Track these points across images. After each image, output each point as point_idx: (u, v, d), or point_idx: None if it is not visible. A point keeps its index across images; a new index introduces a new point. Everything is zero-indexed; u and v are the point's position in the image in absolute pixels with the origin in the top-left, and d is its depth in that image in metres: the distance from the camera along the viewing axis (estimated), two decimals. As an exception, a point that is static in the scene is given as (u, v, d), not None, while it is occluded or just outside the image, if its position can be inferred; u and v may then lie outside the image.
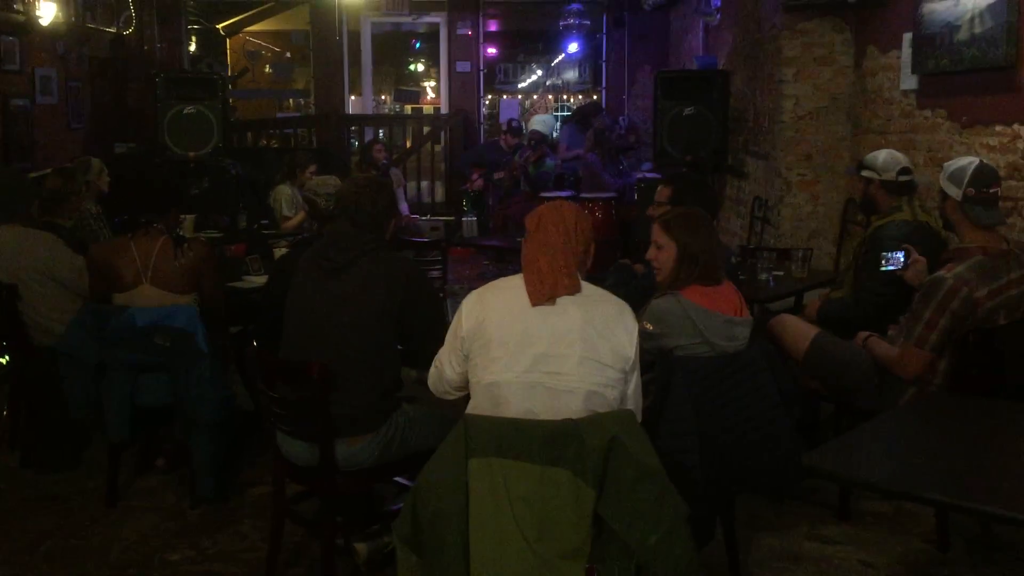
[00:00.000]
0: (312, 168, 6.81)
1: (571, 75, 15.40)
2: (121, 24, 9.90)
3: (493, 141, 10.82)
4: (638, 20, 11.62)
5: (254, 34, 15.91)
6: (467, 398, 2.82)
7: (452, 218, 10.48)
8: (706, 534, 3.11)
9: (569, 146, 10.36)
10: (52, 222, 4.82)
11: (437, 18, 11.92)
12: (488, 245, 8.47)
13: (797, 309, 4.74)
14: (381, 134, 11.26)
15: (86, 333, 3.90)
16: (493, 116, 14.30)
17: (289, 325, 3.34)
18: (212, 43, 13.59)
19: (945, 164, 3.69)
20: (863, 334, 3.86)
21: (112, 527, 3.86)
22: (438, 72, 13.05)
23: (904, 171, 4.20)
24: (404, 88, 17.38)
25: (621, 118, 11.20)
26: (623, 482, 2.44)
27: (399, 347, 3.36)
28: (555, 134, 10.72)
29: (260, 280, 4.84)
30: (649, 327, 3.15)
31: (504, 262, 8.99)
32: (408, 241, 6.94)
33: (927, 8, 5.16)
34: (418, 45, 17.20)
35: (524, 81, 16.38)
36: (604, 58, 12.44)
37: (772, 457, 3.20)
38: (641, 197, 8.17)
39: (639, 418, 2.73)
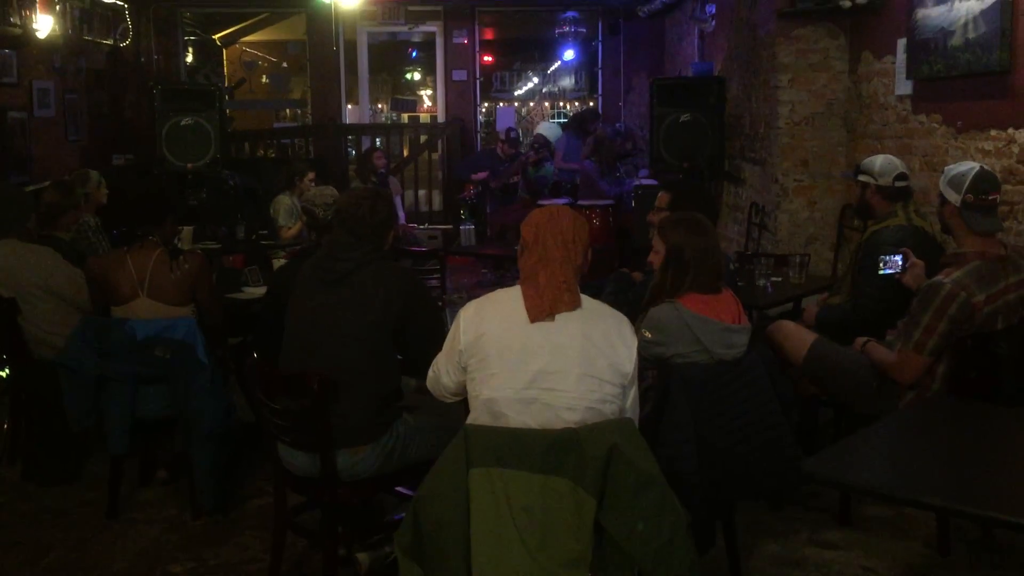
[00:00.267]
0: (311, 176, 6.83)
1: (567, 82, 15.44)
2: (118, 36, 9.92)
3: (490, 149, 10.84)
4: (633, 27, 11.66)
5: (250, 44, 15.93)
6: (466, 406, 2.82)
7: (450, 226, 10.49)
8: (707, 541, 3.12)
9: (566, 154, 10.38)
10: (51, 235, 4.82)
11: (433, 27, 11.95)
12: (486, 253, 8.47)
13: (795, 315, 4.76)
14: (378, 143, 11.27)
15: (86, 346, 3.91)
16: (489, 124, 14.33)
17: (289, 336, 3.35)
18: (209, 54, 13.62)
19: (945, 168, 3.69)
20: (861, 339, 3.87)
21: (114, 539, 3.86)
22: (434, 81, 13.07)
23: (900, 176, 4.21)
24: (401, 97, 17.41)
25: (618, 124, 11.24)
26: (624, 490, 2.45)
27: (399, 357, 3.37)
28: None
29: (259, 291, 4.85)
30: (648, 335, 3.16)
31: (502, 270, 9.01)
32: (406, 250, 6.95)
33: (921, 14, 5.18)
34: (414, 54, 17.22)
35: (520, 89, 16.40)
36: (600, 65, 12.48)
37: (772, 463, 3.21)
38: (638, 204, 8.18)
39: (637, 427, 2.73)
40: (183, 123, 8.43)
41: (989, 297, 3.46)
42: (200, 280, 4.14)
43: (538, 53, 15.89)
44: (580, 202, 8.64)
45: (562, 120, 14.62)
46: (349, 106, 12.16)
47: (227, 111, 9.95)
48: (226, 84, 12.87)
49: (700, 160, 7.58)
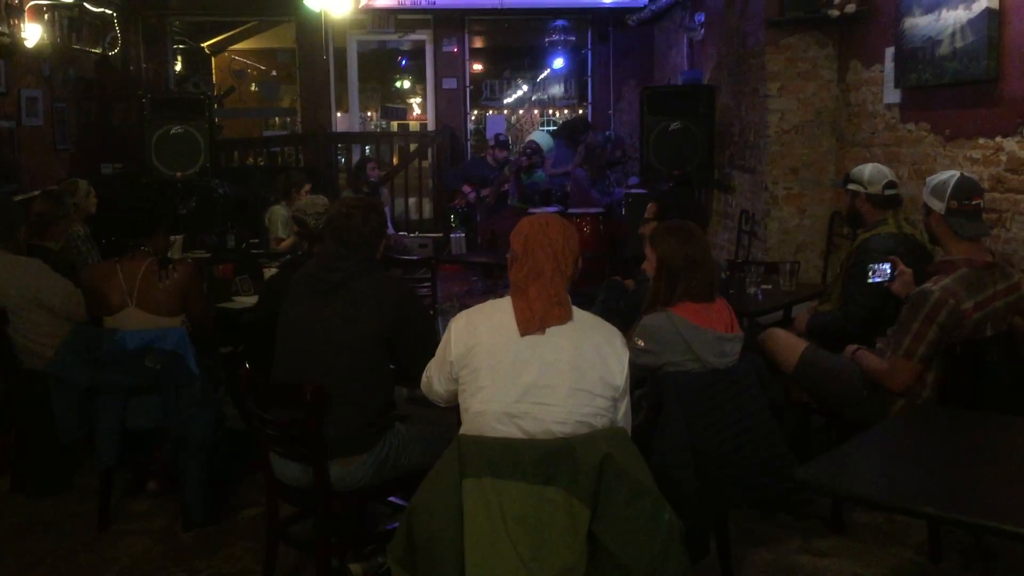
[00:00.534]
0: (307, 187, 6.82)
1: (557, 90, 15.47)
2: (107, 45, 9.89)
3: (480, 158, 10.85)
4: (623, 36, 11.69)
5: (239, 53, 15.92)
6: (458, 416, 2.82)
7: (440, 234, 10.49)
8: (701, 549, 3.13)
9: (556, 162, 10.40)
10: (40, 245, 4.82)
11: (423, 35, 11.96)
12: (477, 261, 8.47)
13: (786, 322, 4.77)
14: (368, 151, 11.27)
15: (76, 356, 3.90)
16: (479, 132, 14.34)
17: (281, 346, 3.34)
18: (197, 62, 13.59)
19: (928, 179, 3.73)
20: (852, 347, 3.89)
21: (105, 551, 3.84)
22: (424, 89, 13.08)
23: (890, 185, 4.24)
24: (391, 105, 17.42)
25: (607, 132, 11.26)
26: (617, 500, 2.45)
27: (391, 366, 3.37)
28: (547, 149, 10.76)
29: (250, 300, 4.84)
30: (640, 344, 3.16)
31: (493, 278, 9.01)
32: (396, 259, 6.94)
33: (909, 23, 5.22)
34: (404, 62, 17.23)
35: (510, 97, 16.44)
36: (589, 73, 12.50)
37: (765, 470, 3.22)
38: (628, 212, 8.21)
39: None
40: (172, 132, 8.41)
41: (978, 304, 3.48)
42: (190, 289, 4.13)
43: (528, 61, 15.95)
44: (571, 210, 8.66)
45: (552, 128, 14.66)
46: (339, 114, 12.15)
47: (216, 120, 9.93)
48: (215, 92, 12.84)
49: (690, 168, 7.61)
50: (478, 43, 13.69)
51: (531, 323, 2.63)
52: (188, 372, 3.87)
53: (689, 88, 8.32)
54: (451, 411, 3.06)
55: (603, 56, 12.10)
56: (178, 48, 12.20)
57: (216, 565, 3.72)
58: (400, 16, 11.50)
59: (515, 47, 15.68)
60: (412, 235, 10.49)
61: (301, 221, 4.52)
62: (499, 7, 10.53)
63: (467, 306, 2.98)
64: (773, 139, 6.64)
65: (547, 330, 2.64)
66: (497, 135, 10.79)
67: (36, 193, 5.95)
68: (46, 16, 8.49)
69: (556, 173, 10.21)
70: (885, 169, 4.33)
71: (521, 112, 16.66)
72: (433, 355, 2.89)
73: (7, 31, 7.78)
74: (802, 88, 6.58)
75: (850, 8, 5.96)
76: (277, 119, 15.85)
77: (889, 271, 3.98)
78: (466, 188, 10.09)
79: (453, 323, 2.78)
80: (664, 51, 11.11)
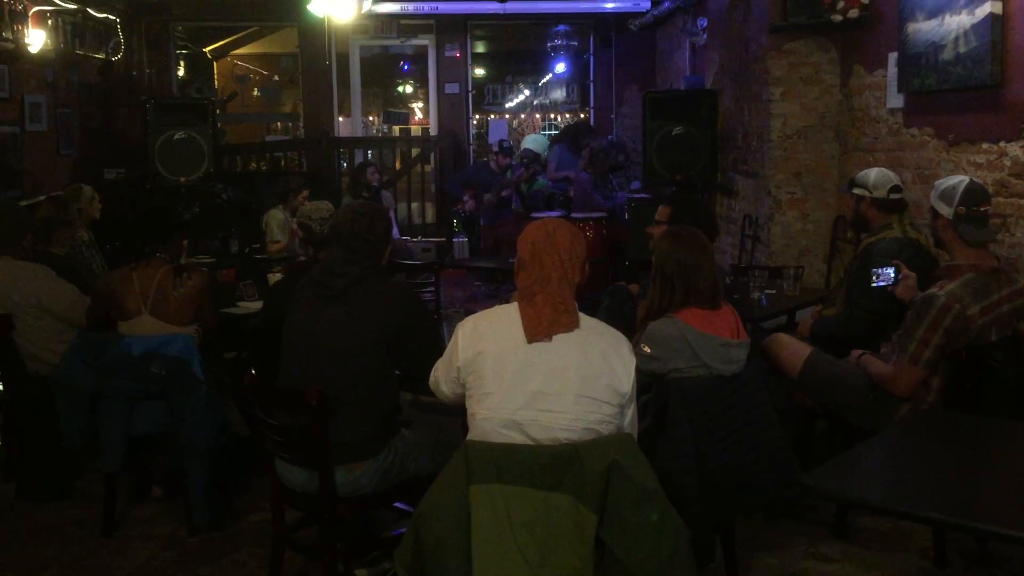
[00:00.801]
0: (305, 193, 6.83)
1: (559, 95, 15.51)
2: (110, 50, 9.91)
3: (483, 162, 10.86)
4: (625, 40, 11.71)
5: (241, 58, 15.95)
6: (463, 421, 2.82)
7: (443, 239, 10.50)
8: (706, 555, 3.12)
9: (559, 166, 10.41)
10: (45, 251, 4.82)
11: (425, 40, 11.99)
12: (480, 266, 8.47)
13: (789, 327, 4.77)
14: (370, 155, 11.29)
15: (82, 363, 3.90)
16: (481, 136, 14.37)
17: (287, 352, 3.34)
18: (200, 67, 13.62)
19: (936, 183, 3.73)
20: (856, 352, 3.89)
21: (110, 557, 3.84)
22: (427, 93, 13.10)
23: (895, 189, 4.25)
24: (393, 110, 17.45)
25: (610, 136, 11.27)
26: (624, 506, 2.45)
27: (396, 372, 3.37)
28: (545, 153, 10.77)
29: (255, 306, 4.84)
30: (647, 350, 3.17)
31: (496, 283, 9.01)
32: (400, 264, 6.94)
33: (912, 28, 5.22)
34: (406, 67, 17.26)
35: (512, 101, 16.47)
36: (592, 78, 12.53)
37: (770, 476, 3.21)
38: (632, 216, 8.21)
39: (634, 443, 2.73)
40: (176, 137, 8.43)
41: (983, 309, 3.48)
42: (204, 298, 4.15)
43: (530, 66, 15.98)
44: (574, 215, 8.66)
45: (551, 132, 14.67)
46: (341, 118, 12.17)
47: (219, 124, 9.95)
48: (217, 97, 12.87)
49: (693, 172, 7.61)
50: (480, 48, 13.71)
51: (538, 330, 2.63)
52: (193, 378, 3.87)
53: (692, 93, 8.33)
54: (456, 417, 3.07)
55: (605, 61, 12.12)
56: (181, 53, 12.23)
57: (222, 571, 3.72)
58: (403, 21, 11.54)
59: (517, 52, 15.73)
60: (415, 239, 10.50)
61: (306, 227, 4.52)
62: (501, 12, 10.55)
63: (472, 311, 2.98)
64: (776, 144, 6.64)
65: (554, 337, 2.64)
66: (500, 141, 10.80)
67: (41, 198, 5.96)
68: (50, 22, 8.51)
69: (558, 178, 10.22)
70: (890, 173, 4.34)
71: (522, 116, 16.69)
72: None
73: (11, 37, 7.80)
74: (805, 93, 6.58)
75: (853, 13, 5.96)
76: (279, 124, 15.88)
77: (893, 275, 3.98)
78: (465, 197, 10.10)
79: (460, 329, 2.77)
80: (666, 56, 11.13)
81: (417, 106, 18.08)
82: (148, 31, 10.85)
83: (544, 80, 16.04)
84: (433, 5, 10.82)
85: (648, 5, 10.41)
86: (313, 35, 11.07)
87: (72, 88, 9.21)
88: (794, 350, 4.02)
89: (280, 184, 7.10)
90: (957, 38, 4.75)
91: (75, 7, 8.95)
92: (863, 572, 3.59)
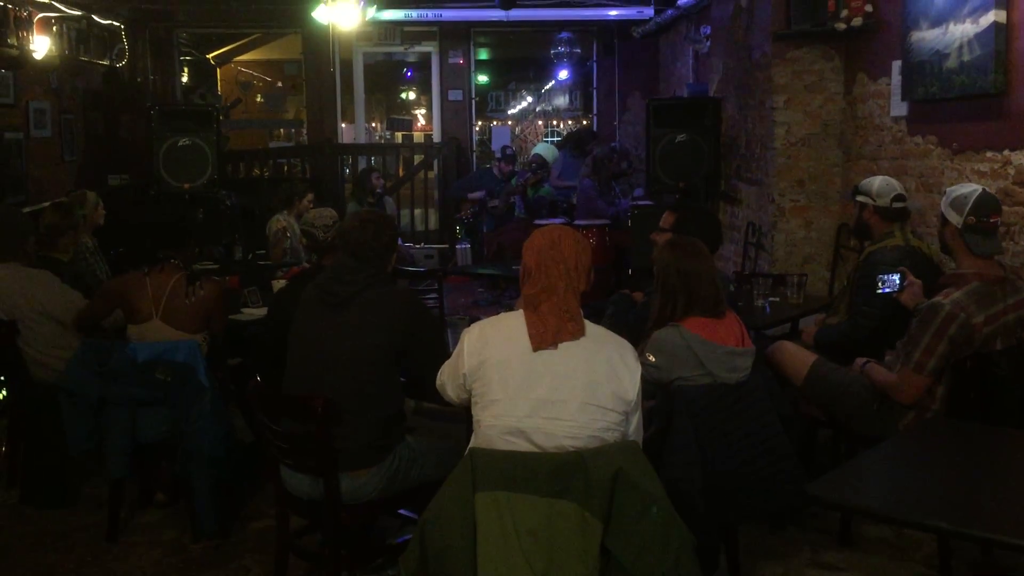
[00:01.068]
0: (310, 197, 6.83)
1: (561, 102, 15.52)
2: (114, 57, 9.94)
3: (487, 169, 10.87)
4: (628, 48, 11.72)
5: (245, 64, 15.98)
6: (467, 428, 2.82)
7: (446, 246, 10.50)
8: (711, 563, 3.12)
9: (562, 173, 10.41)
10: (50, 256, 4.83)
11: (429, 47, 12.01)
12: (483, 273, 8.48)
13: (793, 335, 4.77)
14: (373, 162, 11.31)
15: (87, 369, 3.91)
16: (484, 143, 14.38)
17: (292, 359, 3.35)
18: (204, 73, 13.65)
19: (948, 189, 3.73)
20: (861, 360, 3.89)
21: (114, 563, 3.84)
22: (430, 100, 13.12)
23: (898, 197, 4.25)
24: (396, 116, 17.48)
25: (613, 144, 11.28)
26: (629, 513, 2.45)
27: (402, 379, 3.37)
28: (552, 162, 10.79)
29: (259, 312, 4.85)
30: (652, 359, 3.17)
31: (499, 289, 9.02)
32: (403, 271, 6.95)
33: (916, 36, 5.23)
34: (409, 74, 17.30)
35: (515, 108, 16.50)
36: (595, 85, 12.54)
37: (775, 484, 3.21)
38: (635, 224, 8.21)
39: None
40: (180, 143, 8.44)
41: (988, 318, 3.48)
42: (215, 308, 4.16)
43: (533, 73, 16.01)
44: (577, 222, 8.67)
45: (554, 139, 14.70)
46: (343, 125, 12.19)
47: (223, 131, 9.97)
48: (221, 104, 12.90)
49: (696, 180, 7.61)
50: (483, 55, 13.73)
51: (544, 338, 2.64)
52: (198, 384, 3.88)
53: (695, 100, 8.34)
54: (459, 424, 3.07)
55: (608, 68, 12.13)
56: (184, 60, 12.26)
57: (226, 577, 3.73)
58: (406, 28, 11.55)
59: (520, 59, 15.75)
60: (418, 246, 10.51)
61: (310, 234, 4.53)
62: (505, 19, 10.57)
63: (476, 318, 2.99)
64: (779, 151, 6.64)
65: (559, 345, 2.64)
66: (504, 148, 10.82)
67: (45, 204, 5.97)
68: (54, 28, 8.54)
69: (562, 185, 10.23)
70: (894, 182, 4.34)
71: (525, 123, 16.72)
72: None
73: (16, 43, 7.82)
74: (809, 101, 6.58)
75: (857, 21, 5.97)
76: (282, 130, 15.91)
77: (898, 282, 3.98)
78: (480, 193, 10.10)
79: (466, 335, 2.77)
80: (669, 63, 11.14)
81: (420, 113, 18.11)
82: (152, 37, 10.87)
83: (547, 87, 16.07)
84: (437, 12, 10.84)
85: (651, 13, 10.42)
86: (317, 42, 11.09)
87: (76, 94, 9.24)
88: (798, 358, 4.02)
89: (285, 189, 7.10)
90: (961, 47, 4.76)
91: (80, 14, 8.97)
92: (867, 580, 3.59)
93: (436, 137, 12.14)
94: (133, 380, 3.86)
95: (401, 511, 3.54)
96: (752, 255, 7.11)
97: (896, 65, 5.59)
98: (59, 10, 8.48)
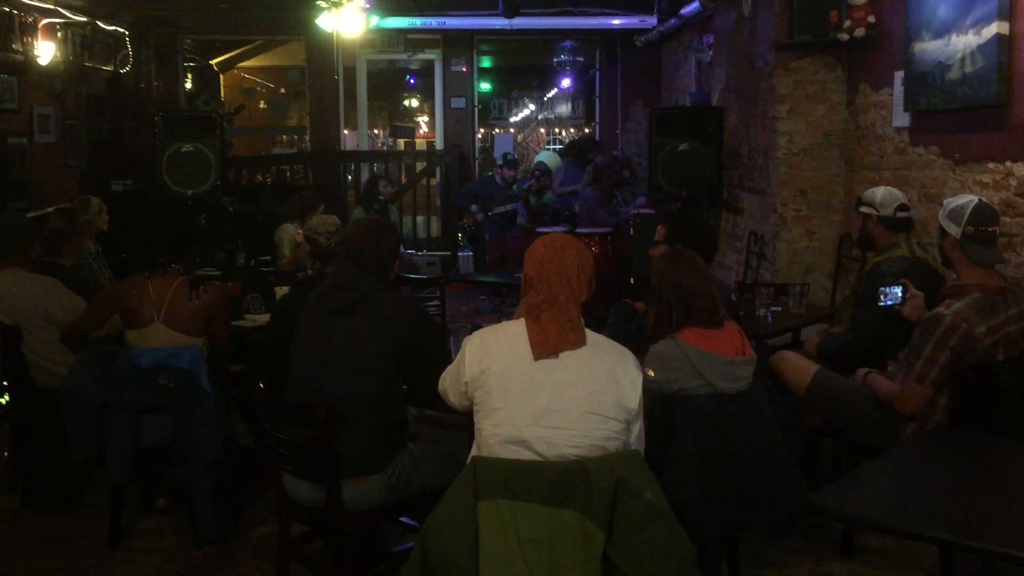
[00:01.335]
0: (321, 208, 6.82)
1: (564, 110, 15.55)
2: (118, 63, 9.96)
3: (489, 176, 10.89)
4: (631, 56, 11.75)
5: (248, 70, 16.01)
6: (469, 436, 2.82)
7: (448, 253, 10.51)
8: (712, 573, 3.12)
9: (563, 181, 10.43)
10: (53, 262, 4.84)
11: (432, 55, 12.04)
12: (485, 281, 8.48)
13: (795, 344, 4.78)
14: (376, 168, 11.33)
15: (90, 374, 3.91)
16: (486, 150, 14.41)
17: (295, 366, 3.35)
18: (207, 79, 13.68)
19: (945, 201, 3.73)
20: (863, 370, 3.89)
21: (115, 569, 3.85)
22: (432, 107, 13.14)
23: (902, 208, 4.25)
24: (399, 123, 17.50)
25: (615, 152, 11.30)
26: (631, 522, 2.45)
27: (404, 386, 3.37)
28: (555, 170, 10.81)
29: (262, 319, 4.85)
30: (651, 373, 3.17)
31: (500, 297, 9.02)
32: (405, 278, 6.94)
33: (918, 47, 5.24)
34: (412, 81, 17.33)
35: (517, 116, 16.53)
36: (597, 93, 12.56)
37: (776, 493, 3.21)
38: (637, 232, 8.22)
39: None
40: (184, 150, 8.47)
41: (990, 329, 3.49)
42: (216, 312, 4.17)
43: (536, 80, 16.04)
44: (579, 230, 8.68)
45: (556, 147, 14.72)
46: (346, 131, 12.22)
47: (226, 137, 9.99)
48: (225, 110, 12.92)
49: (699, 189, 7.62)
50: (486, 62, 13.76)
51: (545, 348, 2.64)
52: (201, 390, 3.88)
53: (698, 109, 8.35)
54: (461, 431, 3.07)
55: (611, 76, 12.15)
56: (188, 66, 12.29)
57: (226, 584, 3.73)
58: (410, 36, 11.59)
59: (523, 66, 15.78)
60: (420, 253, 10.52)
61: (313, 240, 4.53)
62: (508, 27, 10.59)
63: (479, 326, 2.99)
64: (782, 161, 6.66)
65: (561, 353, 2.65)
66: (505, 154, 10.83)
67: (49, 210, 5.98)
68: (59, 34, 8.56)
69: (564, 193, 10.24)
70: (897, 192, 4.35)
71: (527, 130, 16.75)
72: (446, 376, 2.89)
73: (20, 49, 7.85)
74: (811, 110, 6.60)
75: (859, 32, 5.99)
76: (284, 137, 15.93)
77: (900, 294, 3.98)
78: (473, 207, 10.13)
79: (467, 343, 2.77)
80: (672, 72, 11.16)
81: (423, 120, 18.14)
82: (157, 44, 10.90)
83: (550, 95, 16.10)
84: (440, 20, 10.87)
85: (654, 22, 10.45)
86: (321, 49, 11.12)
87: (80, 100, 9.26)
88: (800, 368, 4.02)
89: (295, 201, 7.02)
90: (963, 58, 4.77)
91: (84, 20, 9.00)
92: (869, 591, 3.58)
93: (439, 144, 12.17)
94: (136, 386, 3.86)
95: (403, 518, 3.53)
96: (754, 264, 7.12)
97: (898, 76, 5.61)
98: (64, 16, 8.51)
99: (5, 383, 4.63)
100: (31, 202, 7.87)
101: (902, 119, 5.66)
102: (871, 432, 3.75)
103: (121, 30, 9.87)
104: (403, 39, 11.66)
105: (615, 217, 9.32)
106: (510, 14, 10.09)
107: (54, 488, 4.38)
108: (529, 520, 2.44)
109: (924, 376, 3.52)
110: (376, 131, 17.04)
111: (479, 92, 12.49)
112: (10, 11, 7.70)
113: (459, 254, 9.89)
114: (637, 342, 3.51)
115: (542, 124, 16.66)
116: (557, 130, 16.51)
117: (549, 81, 15.17)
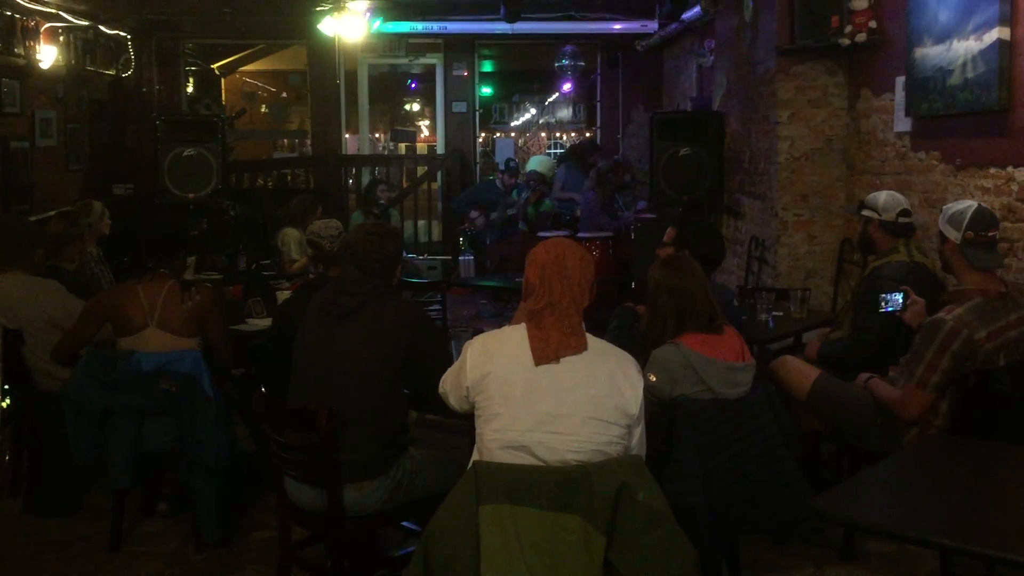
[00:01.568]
0: (319, 211, 6.84)
1: (565, 114, 15.57)
2: (120, 67, 9.99)
3: (490, 181, 10.90)
4: (632, 61, 11.77)
5: (250, 74, 16.03)
6: (470, 441, 2.82)
7: (449, 257, 10.52)
8: (713, 577, 3.12)
9: (564, 185, 10.43)
10: (55, 266, 4.85)
11: (433, 59, 12.06)
12: (486, 285, 8.49)
13: (796, 349, 4.77)
14: (377, 172, 11.34)
15: (92, 379, 3.91)
16: (487, 155, 14.43)
17: (297, 370, 3.36)
18: (209, 83, 13.70)
19: (944, 207, 3.74)
20: (864, 375, 3.90)
21: (116, 573, 3.85)
22: (434, 112, 13.16)
23: (904, 212, 4.26)
24: (400, 128, 17.52)
25: (616, 156, 11.31)
26: (633, 527, 2.45)
27: (406, 391, 3.38)
28: (551, 174, 10.80)
29: (263, 323, 4.85)
30: (652, 378, 3.17)
31: (502, 302, 9.02)
32: (406, 282, 6.94)
33: (919, 53, 5.25)
34: (413, 85, 17.35)
35: (518, 120, 16.55)
36: (598, 98, 12.57)
37: (778, 498, 3.21)
38: (638, 236, 8.23)
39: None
40: (185, 154, 8.48)
41: (991, 334, 3.49)
42: (209, 313, 4.16)
43: (537, 85, 16.06)
44: (580, 234, 8.68)
45: (557, 152, 14.74)
46: (347, 135, 12.23)
47: (228, 141, 10.01)
48: (226, 114, 12.94)
49: (700, 194, 7.63)
50: (488, 67, 13.77)
51: (546, 353, 2.64)
52: (203, 394, 3.88)
53: (699, 114, 8.36)
54: (462, 436, 3.07)
55: (612, 81, 12.17)
56: (190, 70, 12.31)
57: (228, 588, 3.73)
58: (411, 40, 11.61)
59: (525, 71, 15.80)
60: (421, 257, 10.53)
61: (316, 244, 4.54)
62: (509, 32, 10.61)
63: (480, 330, 2.99)
64: (783, 166, 6.66)
65: (561, 359, 2.65)
66: (507, 160, 10.84)
67: (51, 213, 6.00)
68: (61, 38, 8.59)
69: (564, 197, 10.24)
70: (900, 197, 4.35)
71: (527, 135, 16.77)
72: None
73: (22, 53, 7.87)
74: (812, 115, 6.60)
75: (861, 37, 5.99)
76: (286, 141, 15.95)
77: (901, 301, 3.99)
78: (473, 213, 10.13)
79: (468, 348, 2.77)
80: (673, 77, 11.18)
81: (424, 124, 18.17)
82: (158, 48, 10.92)
83: (551, 99, 16.13)
84: (442, 25, 10.89)
85: (656, 27, 10.46)
86: (322, 53, 11.13)
87: (82, 104, 9.27)
88: (802, 373, 4.02)
89: (294, 206, 7.04)
90: (965, 63, 4.78)
91: (86, 24, 9.02)
92: (870, 596, 3.58)
93: (440, 148, 12.18)
94: (137, 390, 3.87)
95: (404, 523, 3.53)
96: (755, 269, 7.12)
97: (900, 81, 5.61)
98: (66, 20, 8.53)
99: (7, 387, 4.63)
100: (33, 206, 7.88)
101: (903, 124, 5.66)
102: (872, 437, 3.75)
103: (123, 34, 9.90)
104: (405, 43, 11.68)
105: (616, 221, 9.32)
106: (511, 18, 10.10)
107: (57, 492, 4.37)
108: (531, 525, 2.44)
109: (925, 381, 3.52)
110: (377, 135, 17.06)
111: (480, 96, 12.50)
112: (12, 15, 7.72)
113: (460, 258, 9.89)
114: (639, 347, 3.52)
115: (543, 128, 16.68)
116: (558, 134, 16.53)
117: (550, 85, 15.20)
